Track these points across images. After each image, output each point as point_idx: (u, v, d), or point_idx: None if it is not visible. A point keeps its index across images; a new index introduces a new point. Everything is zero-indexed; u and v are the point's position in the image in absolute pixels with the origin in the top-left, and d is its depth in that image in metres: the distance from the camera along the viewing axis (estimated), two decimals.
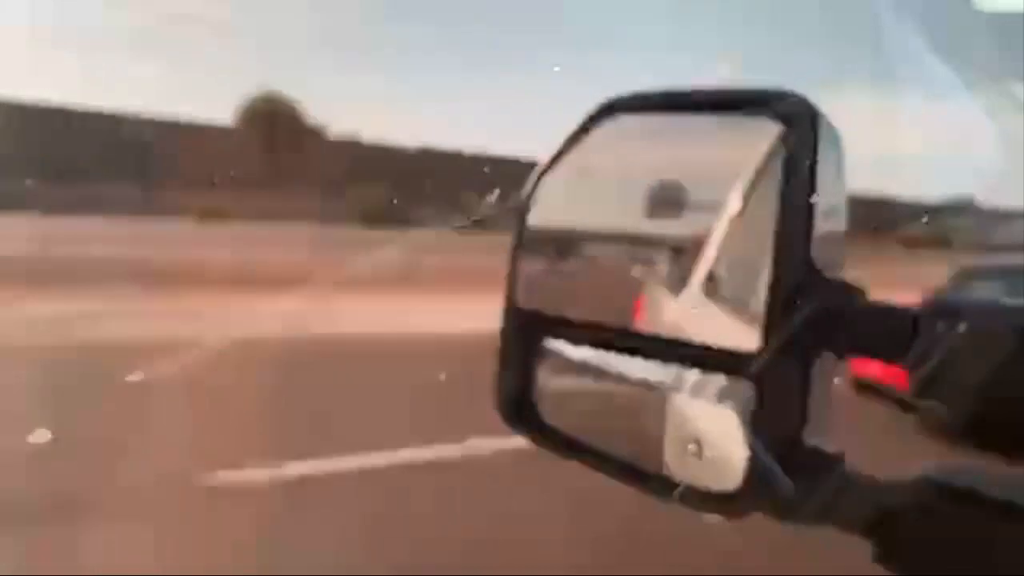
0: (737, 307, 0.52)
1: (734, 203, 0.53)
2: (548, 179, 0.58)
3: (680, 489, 0.51)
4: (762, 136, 0.50)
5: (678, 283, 0.56)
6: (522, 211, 0.59)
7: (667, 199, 0.55)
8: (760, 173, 0.51)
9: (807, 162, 0.46)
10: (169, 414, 3.96)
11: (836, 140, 0.48)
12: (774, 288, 0.46)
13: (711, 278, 0.55)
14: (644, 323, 0.57)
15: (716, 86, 0.53)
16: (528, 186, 0.59)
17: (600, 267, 0.63)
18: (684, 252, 0.56)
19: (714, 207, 0.54)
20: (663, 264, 0.57)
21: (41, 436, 3.14)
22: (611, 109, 0.56)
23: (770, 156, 0.50)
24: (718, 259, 0.55)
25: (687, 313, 0.55)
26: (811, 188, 0.46)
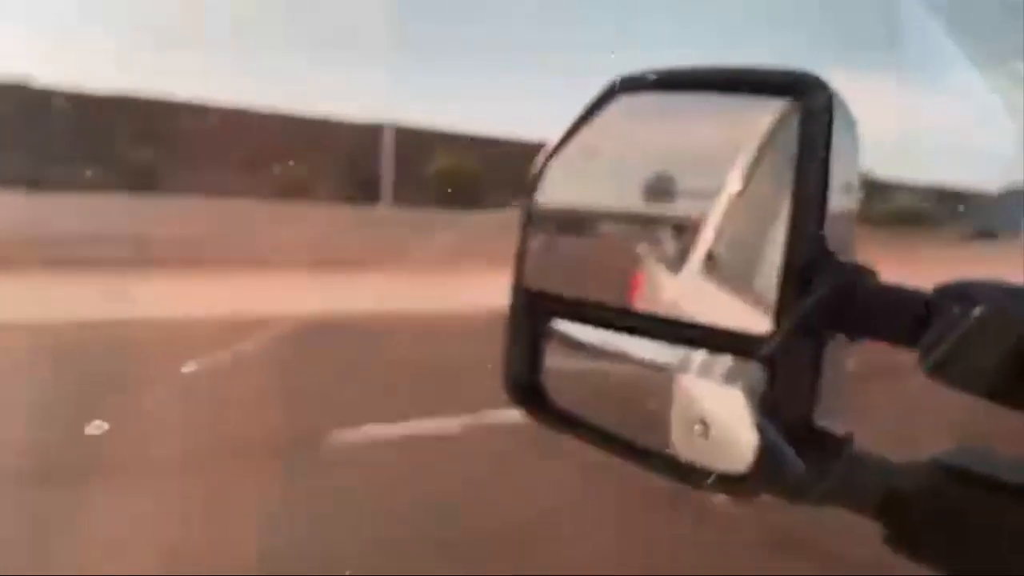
0: (738, 287, 0.51)
1: (734, 181, 0.53)
2: (557, 159, 0.58)
3: (688, 469, 0.51)
4: (770, 114, 0.49)
5: (677, 262, 0.55)
6: (530, 191, 0.59)
7: (659, 190, 0.55)
8: (762, 151, 0.51)
9: (822, 142, 0.46)
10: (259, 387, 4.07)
11: (850, 120, 0.48)
12: (787, 269, 0.46)
13: (710, 257, 0.55)
14: (641, 301, 0.57)
15: (728, 65, 0.52)
16: (537, 166, 0.59)
17: (607, 247, 0.62)
18: (685, 231, 0.56)
19: (719, 186, 0.54)
20: (665, 243, 0.57)
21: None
22: (620, 88, 0.56)
23: (772, 134, 0.50)
24: (718, 238, 0.55)
25: (685, 292, 0.55)
26: (826, 168, 0.46)
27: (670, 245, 0.56)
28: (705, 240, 0.54)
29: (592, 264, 0.62)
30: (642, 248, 0.57)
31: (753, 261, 0.48)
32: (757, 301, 0.47)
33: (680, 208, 0.56)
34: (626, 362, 0.57)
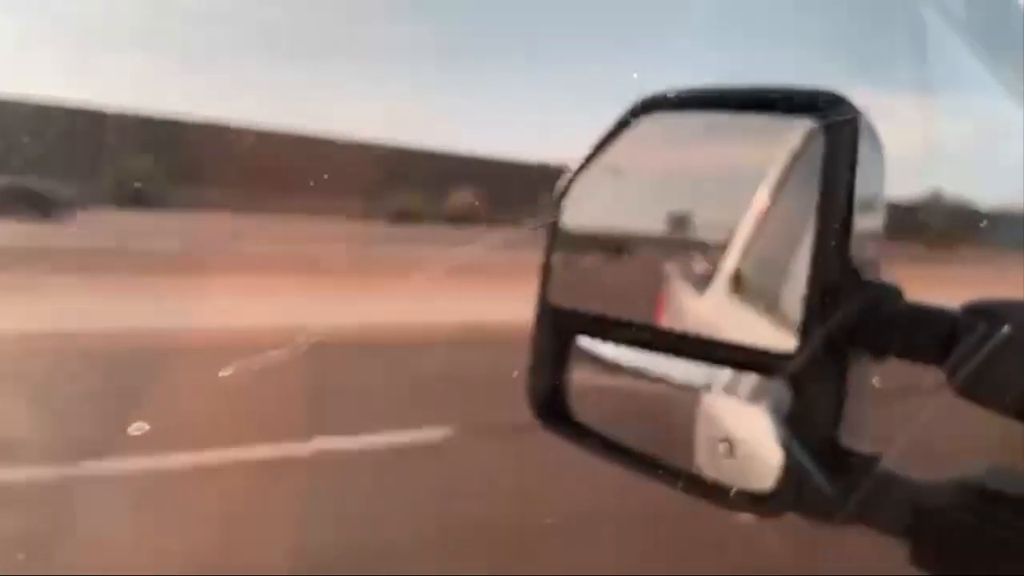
0: (765, 305, 0.51)
1: (761, 201, 0.53)
2: (582, 177, 0.58)
3: (712, 488, 0.51)
4: (795, 134, 0.50)
5: (704, 281, 0.55)
6: (555, 209, 0.60)
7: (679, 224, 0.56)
8: (788, 171, 0.51)
9: (847, 161, 0.46)
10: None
11: (876, 139, 0.48)
12: (812, 288, 0.46)
13: (737, 276, 0.55)
14: (667, 319, 0.57)
15: (753, 85, 0.52)
16: (562, 184, 0.59)
17: (632, 265, 0.63)
18: (710, 250, 0.56)
19: (744, 205, 0.54)
20: (690, 262, 0.57)
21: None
22: (645, 108, 0.56)
23: (799, 154, 0.50)
24: (744, 257, 0.55)
25: (712, 311, 0.55)
26: (851, 188, 0.46)
27: (697, 264, 0.56)
28: (732, 259, 0.54)
29: (618, 283, 0.62)
30: (669, 267, 0.57)
31: (780, 280, 0.48)
32: (783, 320, 0.47)
33: (704, 230, 0.56)
34: (651, 380, 0.57)
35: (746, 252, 0.54)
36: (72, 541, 2.79)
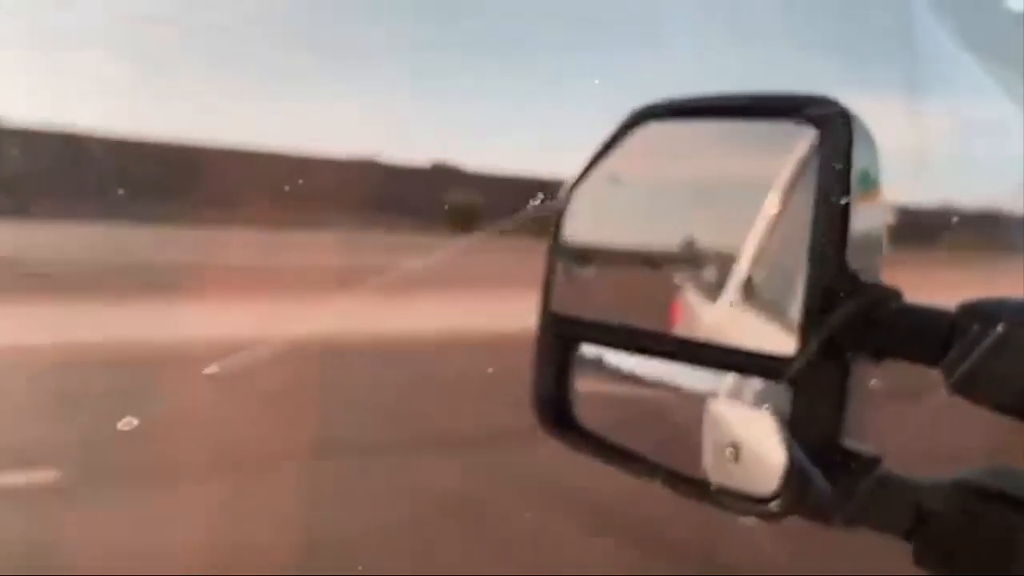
0: (775, 311, 0.52)
1: (771, 207, 0.54)
2: (583, 186, 0.59)
3: (716, 492, 0.51)
4: (798, 140, 0.50)
5: (715, 288, 0.56)
6: (558, 218, 0.60)
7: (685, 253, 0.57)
8: (797, 177, 0.52)
9: (841, 165, 0.46)
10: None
11: (871, 143, 0.49)
12: (809, 291, 0.46)
13: (748, 283, 0.56)
14: (682, 328, 0.57)
15: (749, 92, 0.53)
16: (563, 193, 0.60)
17: (634, 273, 0.63)
18: (720, 258, 0.56)
19: (751, 213, 0.55)
20: (700, 269, 0.57)
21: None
22: (642, 117, 0.56)
23: (807, 160, 0.50)
24: (755, 264, 0.55)
25: (725, 318, 0.56)
26: (846, 191, 0.46)
27: (708, 272, 0.56)
28: (743, 266, 0.55)
29: (621, 289, 0.63)
30: (680, 277, 0.57)
31: (789, 286, 0.49)
32: (790, 325, 0.47)
33: (707, 238, 0.56)
34: (656, 386, 0.57)
35: (757, 259, 0.54)
36: None
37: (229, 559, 2.91)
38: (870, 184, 0.48)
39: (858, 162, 0.47)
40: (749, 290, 0.55)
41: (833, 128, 0.47)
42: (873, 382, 0.49)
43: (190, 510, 3.28)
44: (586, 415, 0.60)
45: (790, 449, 0.46)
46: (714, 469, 0.53)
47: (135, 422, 3.07)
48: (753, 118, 0.53)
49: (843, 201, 0.46)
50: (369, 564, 2.93)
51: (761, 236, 0.54)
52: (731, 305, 0.55)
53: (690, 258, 0.57)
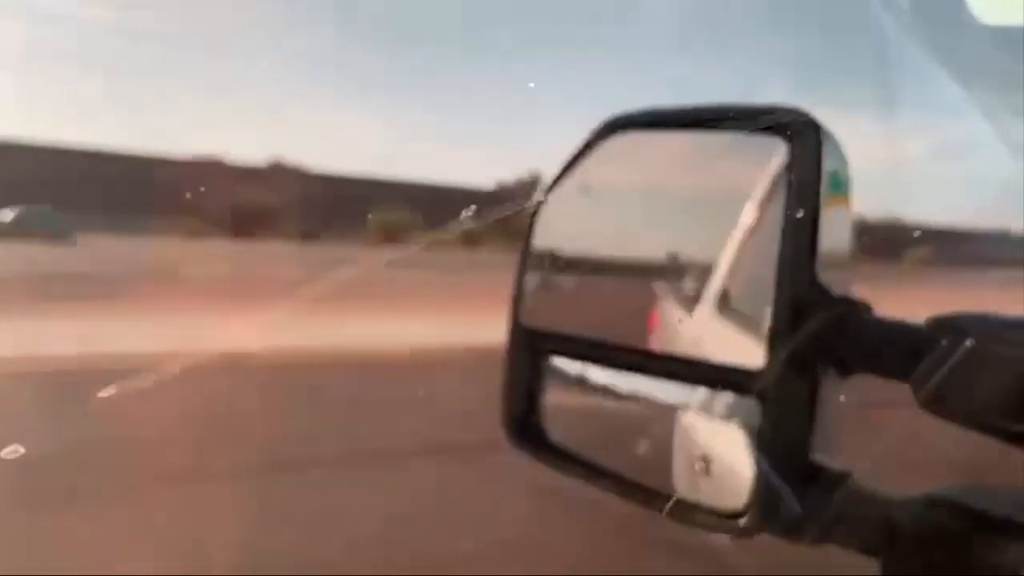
0: (748, 324, 0.52)
1: (746, 219, 0.53)
2: (553, 196, 0.58)
3: (684, 508, 0.50)
4: (774, 152, 0.50)
5: (691, 300, 0.56)
6: (528, 230, 0.60)
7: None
8: (773, 189, 0.51)
9: (811, 178, 0.46)
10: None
11: (841, 155, 0.48)
12: (778, 304, 0.46)
13: (724, 295, 0.55)
14: (658, 340, 0.57)
15: (720, 103, 0.53)
16: (534, 203, 0.59)
17: (604, 285, 0.63)
18: (697, 269, 0.56)
19: (724, 224, 0.54)
20: (679, 281, 0.57)
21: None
22: (614, 127, 0.56)
23: (782, 171, 0.50)
24: (731, 276, 0.55)
25: (701, 330, 0.55)
26: (815, 203, 0.46)
27: (687, 284, 0.56)
28: (719, 278, 0.54)
29: (591, 302, 0.62)
30: (658, 287, 0.57)
31: (763, 298, 0.48)
32: (763, 337, 0.47)
33: (693, 243, 0.56)
34: (626, 400, 0.57)
35: (732, 271, 0.54)
36: None
37: None
38: (839, 187, 0.48)
39: (827, 166, 0.47)
40: (724, 302, 0.54)
41: (802, 140, 0.47)
42: (842, 397, 0.48)
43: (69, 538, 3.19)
44: (556, 429, 0.59)
45: (759, 464, 0.46)
46: (684, 483, 0.52)
47: (21, 450, 2.98)
48: (724, 129, 0.53)
49: (812, 213, 0.46)
50: None
51: (737, 247, 0.53)
52: (707, 317, 0.54)
53: (668, 269, 0.57)
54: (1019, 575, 0.42)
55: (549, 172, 0.58)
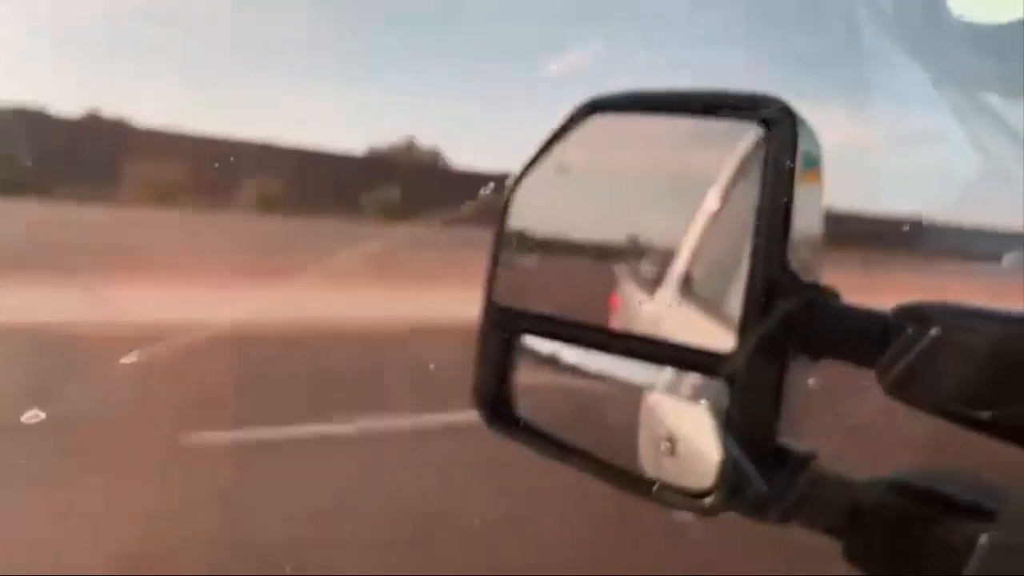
0: (712, 307, 0.52)
1: (711, 204, 0.54)
2: (529, 176, 0.59)
3: (651, 486, 0.51)
4: (741, 138, 0.51)
5: (653, 282, 0.56)
6: (503, 208, 0.60)
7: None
8: (737, 175, 0.52)
9: (786, 164, 0.47)
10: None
11: (815, 145, 0.49)
12: (749, 288, 0.46)
13: (687, 278, 0.56)
14: (618, 321, 0.57)
15: (699, 88, 0.53)
16: (509, 183, 0.59)
17: (578, 265, 0.63)
18: (660, 252, 0.57)
19: (692, 208, 0.55)
20: (639, 263, 0.57)
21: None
22: (593, 108, 0.56)
23: (748, 158, 0.51)
24: (694, 259, 0.55)
25: (662, 312, 0.56)
26: (789, 191, 0.47)
27: (648, 267, 0.56)
28: (682, 262, 0.55)
29: (567, 284, 0.63)
30: (620, 269, 0.57)
31: (726, 282, 0.49)
32: (726, 320, 0.48)
33: (651, 233, 0.56)
34: (596, 379, 0.57)
35: (695, 255, 0.55)
36: None
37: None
38: (811, 163, 0.48)
39: (801, 145, 0.47)
40: (687, 285, 0.55)
41: (778, 127, 0.48)
42: (811, 381, 0.49)
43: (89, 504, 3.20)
44: (527, 407, 0.60)
45: (726, 445, 0.46)
46: (650, 462, 0.53)
47: (42, 415, 2.97)
48: (700, 114, 0.54)
49: (786, 200, 0.47)
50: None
51: (700, 232, 0.54)
52: (669, 300, 0.55)
53: (631, 251, 0.57)
54: (973, 552, 0.43)
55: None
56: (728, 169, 0.52)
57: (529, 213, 0.60)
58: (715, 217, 0.53)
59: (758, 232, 0.47)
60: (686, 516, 0.50)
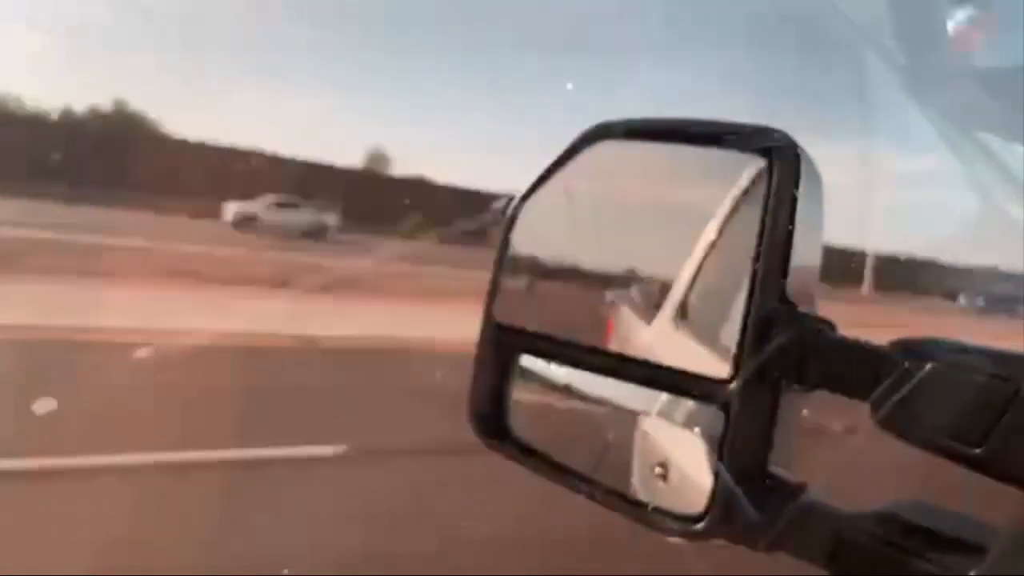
0: (708, 335, 0.53)
1: (709, 234, 0.54)
2: (533, 199, 0.59)
3: (642, 510, 0.51)
4: (742, 170, 0.51)
5: (650, 309, 0.57)
6: (505, 228, 0.60)
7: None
8: (737, 206, 0.53)
9: (788, 197, 0.47)
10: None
11: (817, 178, 0.50)
12: (747, 317, 0.47)
13: (683, 306, 0.56)
14: (615, 346, 0.58)
15: (704, 119, 0.54)
16: (514, 204, 0.60)
17: (576, 288, 0.63)
18: (658, 279, 0.57)
19: (689, 238, 0.55)
20: (637, 290, 0.58)
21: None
22: (597, 135, 0.57)
23: (748, 190, 0.51)
24: (691, 288, 0.56)
25: (658, 339, 0.56)
26: (790, 222, 0.47)
27: (644, 294, 0.57)
28: (679, 290, 0.55)
29: (565, 306, 0.63)
30: (618, 295, 0.58)
31: (722, 311, 0.49)
32: (722, 349, 0.48)
33: (650, 261, 0.57)
34: (591, 401, 0.57)
35: (693, 283, 0.55)
36: None
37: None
38: (813, 195, 0.49)
39: (803, 195, 0.48)
40: (684, 313, 0.55)
41: (782, 160, 0.48)
42: (804, 411, 0.50)
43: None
44: (522, 425, 0.60)
45: (717, 471, 0.47)
46: (642, 486, 0.53)
47: (53, 404, 2.98)
48: (704, 145, 0.54)
49: (787, 232, 0.47)
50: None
51: (698, 262, 0.55)
52: (666, 327, 0.55)
53: (629, 277, 0.58)
54: None
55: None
56: (729, 199, 0.53)
57: (530, 235, 0.60)
58: (714, 246, 0.54)
59: (758, 261, 0.47)
60: (677, 540, 0.50)
